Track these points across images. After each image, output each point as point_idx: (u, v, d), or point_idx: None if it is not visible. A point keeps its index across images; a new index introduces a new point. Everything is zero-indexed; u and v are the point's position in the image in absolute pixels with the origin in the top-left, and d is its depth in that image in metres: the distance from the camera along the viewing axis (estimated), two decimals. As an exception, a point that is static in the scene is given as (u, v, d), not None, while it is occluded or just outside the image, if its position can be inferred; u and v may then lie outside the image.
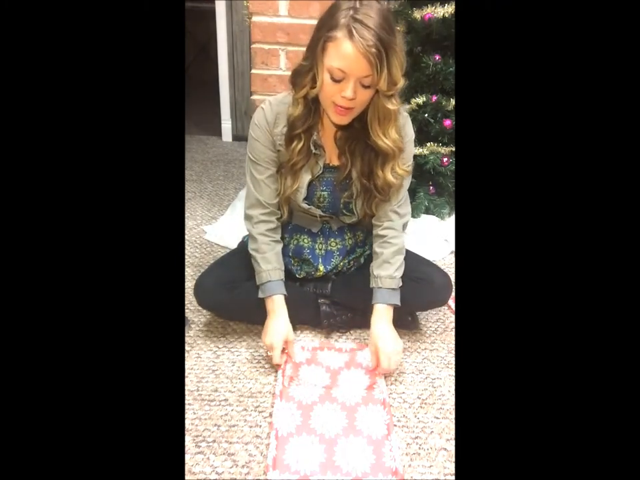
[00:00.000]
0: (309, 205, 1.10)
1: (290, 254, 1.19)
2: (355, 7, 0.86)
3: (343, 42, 0.86)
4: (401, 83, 0.93)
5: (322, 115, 1.03)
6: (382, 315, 1.08)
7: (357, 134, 1.02)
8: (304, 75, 0.95)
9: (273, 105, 1.04)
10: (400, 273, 1.09)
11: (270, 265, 1.09)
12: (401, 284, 1.09)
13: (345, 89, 0.90)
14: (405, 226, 1.14)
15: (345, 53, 0.86)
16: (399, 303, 1.09)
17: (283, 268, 1.12)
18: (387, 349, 1.03)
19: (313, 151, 1.04)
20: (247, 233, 1.28)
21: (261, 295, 1.10)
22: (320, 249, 1.18)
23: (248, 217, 1.12)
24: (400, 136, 1.01)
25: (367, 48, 0.84)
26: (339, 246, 1.19)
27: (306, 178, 1.06)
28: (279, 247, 1.13)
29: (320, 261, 1.18)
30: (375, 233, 1.13)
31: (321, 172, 1.07)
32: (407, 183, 1.11)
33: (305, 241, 1.18)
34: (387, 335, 1.06)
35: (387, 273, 1.08)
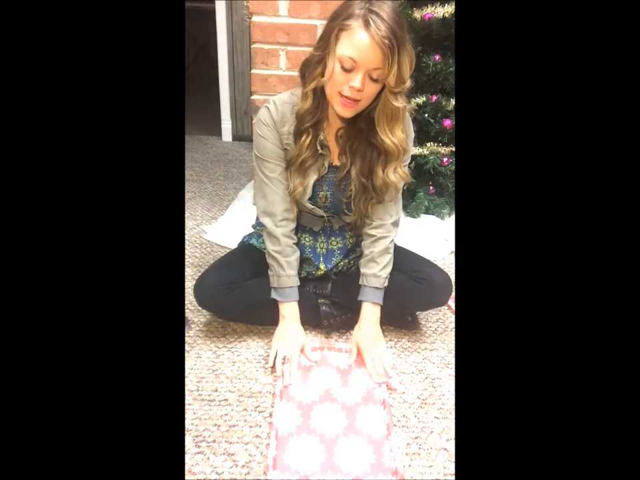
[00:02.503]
0: (313, 204, 1.11)
1: None
2: (371, 0, 0.88)
3: (358, 31, 0.87)
4: (408, 82, 0.94)
5: (328, 111, 1.03)
6: (369, 314, 1.11)
7: (360, 133, 1.03)
8: (315, 65, 0.95)
9: (278, 104, 1.05)
10: (385, 273, 1.11)
11: (293, 270, 1.11)
12: (386, 284, 1.11)
13: (353, 79, 0.90)
14: (396, 223, 1.15)
15: (359, 42, 0.87)
16: (381, 302, 1.11)
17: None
18: (371, 352, 1.07)
19: (320, 151, 1.04)
20: (247, 233, 1.29)
21: (276, 297, 1.11)
22: (321, 248, 1.19)
23: (270, 214, 1.09)
24: (405, 135, 1.02)
25: (381, 39, 0.85)
26: (339, 245, 1.19)
27: (313, 177, 1.07)
28: (298, 252, 1.13)
29: (321, 259, 1.19)
30: (365, 231, 1.14)
31: (326, 172, 1.08)
32: (401, 184, 1.12)
33: (307, 239, 1.19)
34: (369, 335, 1.10)
35: (372, 271, 1.10)
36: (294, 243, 1.12)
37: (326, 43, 0.92)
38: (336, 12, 0.92)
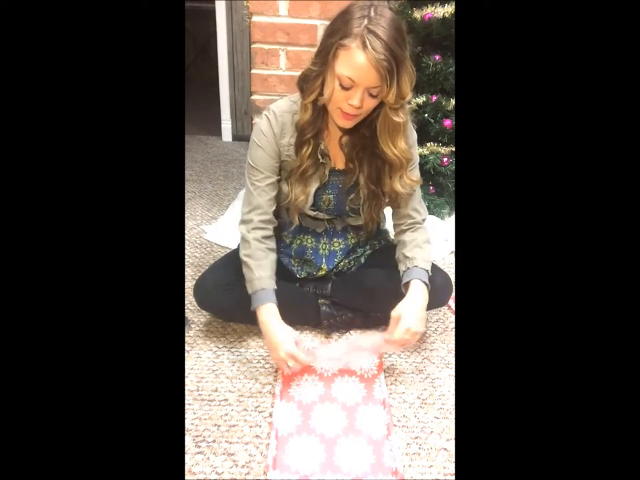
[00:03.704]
0: (315, 210, 1.10)
1: (292, 254, 1.19)
2: (370, 15, 0.86)
3: (356, 52, 0.86)
4: (409, 96, 0.93)
5: (327, 120, 1.03)
6: (419, 291, 1.02)
7: (365, 141, 1.02)
8: (313, 80, 0.95)
9: (278, 115, 1.04)
10: (429, 263, 1.08)
11: (265, 272, 1.04)
12: (429, 274, 1.07)
13: (352, 97, 0.90)
14: (425, 221, 1.16)
15: (357, 63, 0.86)
16: (429, 288, 1.05)
17: (275, 278, 1.08)
18: (408, 323, 0.97)
19: (321, 160, 1.04)
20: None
21: (253, 305, 1.04)
22: (324, 249, 1.18)
23: (245, 221, 1.08)
24: (408, 145, 1.02)
25: (378, 61, 0.85)
26: (341, 245, 1.19)
27: (314, 186, 1.06)
28: (274, 255, 1.09)
29: (323, 260, 1.19)
30: (399, 229, 1.14)
31: (326, 179, 1.07)
32: (417, 188, 1.12)
33: (309, 241, 1.18)
34: (414, 310, 1.00)
35: (422, 255, 1.07)
36: (268, 248, 1.07)
37: (324, 59, 0.91)
38: (334, 27, 0.90)
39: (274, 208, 1.08)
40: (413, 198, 1.11)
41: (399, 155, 0.99)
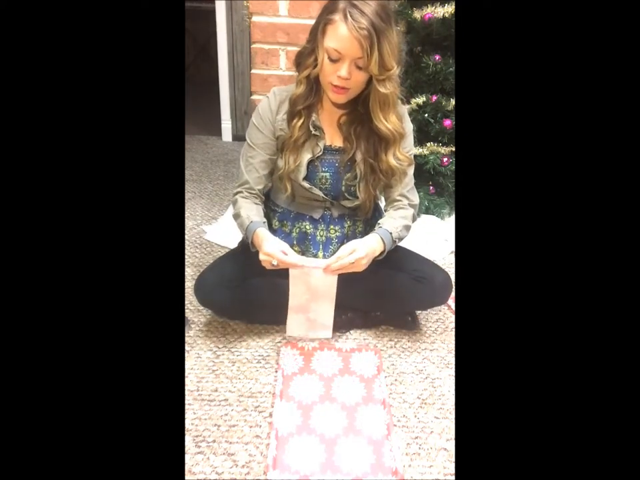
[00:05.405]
0: (310, 184, 1.12)
1: (294, 242, 1.19)
2: None
3: (339, 24, 0.94)
4: (394, 69, 0.99)
5: (322, 96, 1.09)
6: (372, 238, 1.05)
7: (361, 117, 1.08)
8: (307, 56, 1.03)
9: (277, 93, 1.12)
10: (399, 234, 1.09)
11: (251, 212, 1.09)
12: (395, 245, 1.10)
13: (340, 69, 0.97)
14: (414, 206, 1.17)
15: (340, 35, 0.94)
16: (384, 250, 1.06)
17: (266, 222, 1.11)
18: (353, 252, 1.00)
19: (312, 132, 1.08)
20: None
21: (248, 238, 1.06)
22: (321, 236, 1.20)
23: (235, 193, 1.15)
24: (400, 121, 1.07)
25: (358, 31, 0.92)
26: (337, 233, 1.19)
27: (306, 156, 1.10)
28: (261, 208, 1.14)
29: (320, 247, 1.19)
30: (386, 213, 1.16)
31: (321, 153, 1.10)
32: (410, 170, 1.14)
33: (307, 227, 1.20)
34: (360, 241, 1.04)
35: (391, 223, 1.09)
36: (254, 202, 1.12)
37: (315, 36, 1.00)
38: (324, 7, 0.99)
39: (261, 186, 1.14)
40: (404, 184, 1.13)
41: (392, 129, 1.05)
